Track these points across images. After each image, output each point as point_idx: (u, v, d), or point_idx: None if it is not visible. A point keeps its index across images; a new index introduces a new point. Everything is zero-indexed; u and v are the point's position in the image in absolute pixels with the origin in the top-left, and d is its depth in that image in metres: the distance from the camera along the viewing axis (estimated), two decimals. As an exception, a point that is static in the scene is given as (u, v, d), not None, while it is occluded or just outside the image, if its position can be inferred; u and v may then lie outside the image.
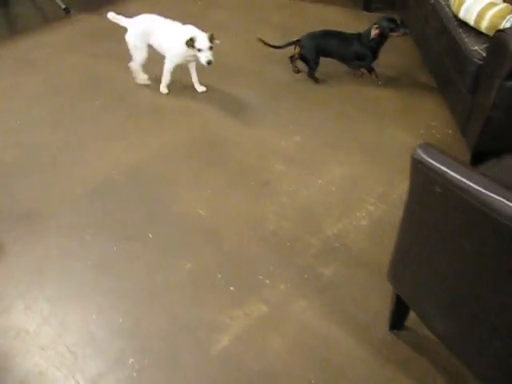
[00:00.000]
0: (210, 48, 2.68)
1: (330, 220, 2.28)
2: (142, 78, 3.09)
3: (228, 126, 2.81)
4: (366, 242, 2.18)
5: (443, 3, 2.69)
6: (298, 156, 2.61)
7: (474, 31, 2.41)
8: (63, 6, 3.84)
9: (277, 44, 3.11)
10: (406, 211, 1.43)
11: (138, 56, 2.95)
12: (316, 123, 2.83)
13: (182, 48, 2.72)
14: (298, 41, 3.04)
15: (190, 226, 2.25)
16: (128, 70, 3.17)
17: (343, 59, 3.05)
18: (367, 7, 3.86)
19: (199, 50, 2.67)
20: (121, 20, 2.96)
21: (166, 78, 3.00)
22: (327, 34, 3.03)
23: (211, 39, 2.69)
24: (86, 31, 3.63)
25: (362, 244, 2.17)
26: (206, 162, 2.58)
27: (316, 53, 3.02)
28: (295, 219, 2.28)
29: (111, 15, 2.94)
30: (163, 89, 3.04)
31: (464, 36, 2.40)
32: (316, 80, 3.11)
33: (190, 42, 2.68)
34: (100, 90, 3.08)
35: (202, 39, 2.67)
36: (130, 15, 3.02)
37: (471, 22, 2.41)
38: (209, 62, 2.67)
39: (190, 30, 2.78)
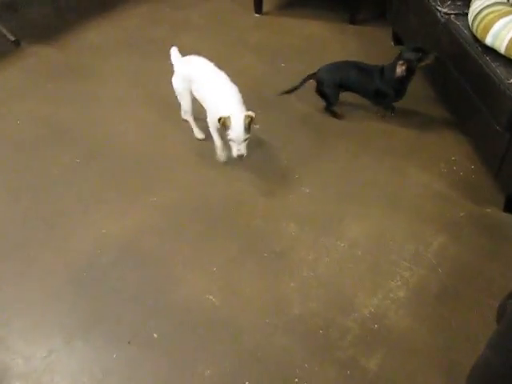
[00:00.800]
0: (245, 140, 2.19)
1: (363, 294, 1.97)
2: (196, 131, 2.61)
3: (226, 182, 2.45)
4: (408, 319, 1.89)
5: (459, 24, 2.38)
6: (311, 213, 2.28)
7: (503, 59, 2.13)
8: (12, 38, 3.33)
9: (292, 87, 2.72)
10: None
11: (182, 103, 2.54)
12: (325, 169, 2.50)
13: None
14: (313, 74, 2.67)
15: (200, 317, 1.89)
16: (98, 117, 2.75)
17: (364, 95, 2.69)
18: (353, 20, 3.54)
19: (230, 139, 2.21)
20: (172, 57, 2.52)
21: (216, 141, 2.44)
22: (347, 66, 2.65)
23: (249, 125, 2.18)
24: (42, 68, 3.13)
25: (403, 323, 1.88)
26: (206, 231, 2.21)
27: (335, 87, 2.65)
28: (322, 298, 1.96)
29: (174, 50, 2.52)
30: (220, 156, 2.47)
31: (494, 66, 2.11)
32: (335, 115, 2.75)
33: (223, 123, 2.18)
34: (66, 145, 2.62)
35: (236, 126, 2.15)
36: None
37: (501, 50, 2.12)
38: (240, 157, 2.22)
39: (228, 100, 2.26)
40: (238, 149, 2.20)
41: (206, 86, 2.37)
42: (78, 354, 1.80)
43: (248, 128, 2.17)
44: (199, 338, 1.82)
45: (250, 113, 2.19)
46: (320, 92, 2.70)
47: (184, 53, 2.55)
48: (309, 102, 2.81)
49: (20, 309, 1.92)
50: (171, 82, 2.51)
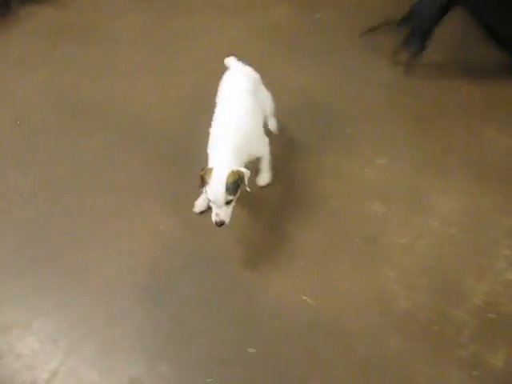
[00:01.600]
0: (228, 203, 1.68)
1: (470, 279, 1.78)
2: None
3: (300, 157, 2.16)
4: (525, 304, 1.71)
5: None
6: (393, 188, 2.04)
7: None
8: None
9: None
10: None
11: None
12: (395, 136, 2.24)
13: None
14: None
15: (299, 323, 1.67)
16: (120, 88, 2.38)
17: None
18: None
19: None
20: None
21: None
22: None
23: (236, 185, 1.68)
24: (44, 32, 2.69)
25: (521, 309, 1.70)
26: (287, 217, 1.95)
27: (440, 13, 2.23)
28: (427, 287, 1.76)
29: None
30: (195, 205, 2.00)
31: None
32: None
33: (202, 177, 1.70)
34: (91, 124, 2.26)
35: (215, 183, 1.66)
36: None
37: None
38: (218, 224, 1.69)
39: (221, 143, 1.78)
40: (217, 213, 1.68)
41: (218, 106, 1.93)
42: (165, 381, 1.56)
43: (234, 189, 1.67)
44: (303, 349, 1.61)
45: (242, 169, 1.71)
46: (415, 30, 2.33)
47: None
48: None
49: (84, 334, 1.66)
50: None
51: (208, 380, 1.55)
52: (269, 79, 2.08)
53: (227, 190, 1.65)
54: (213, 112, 1.88)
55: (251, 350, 1.61)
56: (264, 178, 2.03)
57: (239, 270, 1.80)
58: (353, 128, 2.26)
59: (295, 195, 2.02)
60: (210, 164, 1.72)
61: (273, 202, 2.01)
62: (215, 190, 1.65)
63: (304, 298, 1.72)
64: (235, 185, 1.67)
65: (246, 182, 1.71)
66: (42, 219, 1.94)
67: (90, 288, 1.75)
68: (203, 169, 1.69)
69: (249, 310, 1.70)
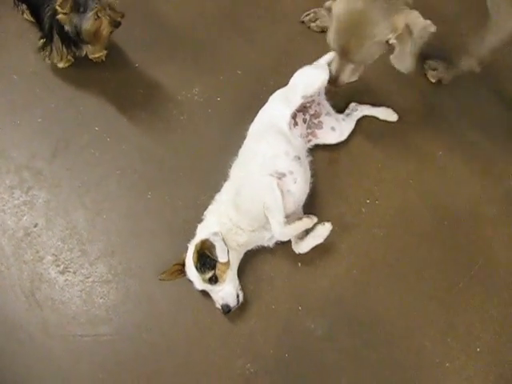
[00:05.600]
0: (210, 280, 1.48)
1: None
2: None
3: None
4: None
5: None
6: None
7: None
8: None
9: None
10: None
11: None
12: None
13: None
14: None
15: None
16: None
17: None
18: None
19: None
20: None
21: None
22: None
23: (199, 259, 1.49)
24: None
25: None
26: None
27: None
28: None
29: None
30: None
31: None
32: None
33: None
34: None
35: (188, 261, 1.52)
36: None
37: None
38: (224, 309, 1.49)
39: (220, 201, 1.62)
40: (222, 297, 1.47)
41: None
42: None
43: (203, 264, 1.46)
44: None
45: (203, 237, 1.51)
46: None
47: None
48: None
49: None
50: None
51: None
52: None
53: (197, 267, 1.47)
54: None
55: None
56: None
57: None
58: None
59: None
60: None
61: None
62: (190, 268, 1.50)
63: None
64: (200, 259, 1.46)
65: (219, 253, 1.45)
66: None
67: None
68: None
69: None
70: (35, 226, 1.67)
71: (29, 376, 1.49)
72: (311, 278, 1.60)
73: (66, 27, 1.73)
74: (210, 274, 1.42)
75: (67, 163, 1.78)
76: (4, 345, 1.52)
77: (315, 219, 1.53)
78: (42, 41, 1.88)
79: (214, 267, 1.43)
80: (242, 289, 1.51)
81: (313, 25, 2.06)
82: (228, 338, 1.51)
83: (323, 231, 1.54)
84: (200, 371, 1.48)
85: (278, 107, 1.67)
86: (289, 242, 1.58)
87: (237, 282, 1.49)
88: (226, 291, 1.44)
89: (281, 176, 1.52)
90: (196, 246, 1.45)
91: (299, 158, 1.59)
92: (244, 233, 1.49)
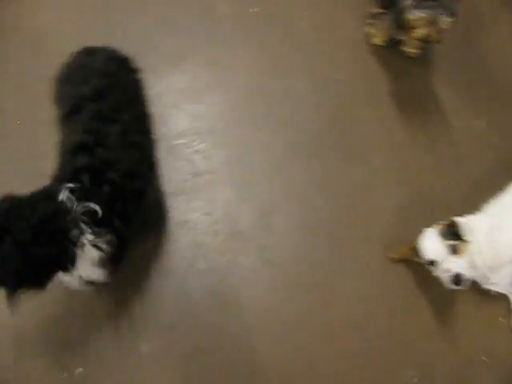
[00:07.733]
0: (449, 248, 1.63)
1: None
2: None
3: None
4: None
5: None
6: None
7: None
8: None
9: None
10: None
11: None
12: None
13: None
14: None
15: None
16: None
17: None
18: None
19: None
20: None
21: None
22: None
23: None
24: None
25: None
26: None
27: None
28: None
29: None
30: None
31: None
32: None
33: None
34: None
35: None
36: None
37: None
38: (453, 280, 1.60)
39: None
40: (454, 267, 1.59)
41: None
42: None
43: (448, 233, 1.65)
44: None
45: (455, 219, 1.68)
46: None
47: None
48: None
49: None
50: None
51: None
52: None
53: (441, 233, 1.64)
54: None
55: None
56: None
57: None
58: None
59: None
60: None
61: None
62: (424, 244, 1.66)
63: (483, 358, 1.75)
64: (450, 230, 1.65)
65: (464, 233, 1.65)
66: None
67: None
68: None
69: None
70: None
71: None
72: None
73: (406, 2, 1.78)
74: (452, 242, 1.58)
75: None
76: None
77: None
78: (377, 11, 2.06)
79: (457, 239, 1.60)
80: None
81: None
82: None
83: None
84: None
85: None
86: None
87: (469, 268, 1.58)
88: (460, 264, 1.56)
89: None
90: (449, 220, 1.63)
91: None
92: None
